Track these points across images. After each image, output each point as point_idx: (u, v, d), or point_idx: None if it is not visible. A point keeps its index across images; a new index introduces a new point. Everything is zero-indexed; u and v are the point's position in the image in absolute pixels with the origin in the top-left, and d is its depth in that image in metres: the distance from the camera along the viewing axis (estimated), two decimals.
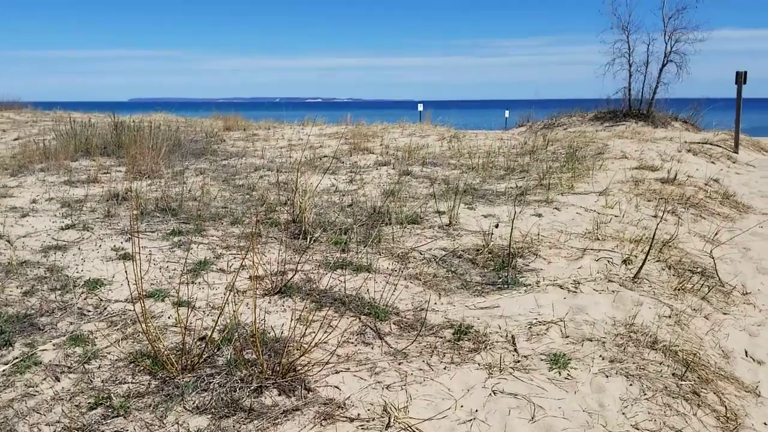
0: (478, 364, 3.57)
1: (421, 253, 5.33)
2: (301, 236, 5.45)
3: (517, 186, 8.57)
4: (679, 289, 4.91)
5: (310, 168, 9.74)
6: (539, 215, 6.84)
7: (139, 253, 3.82)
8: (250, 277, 4.32)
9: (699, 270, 5.46)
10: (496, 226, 6.07)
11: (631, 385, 3.44)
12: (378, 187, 8.29)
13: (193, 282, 4.31)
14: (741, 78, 15.39)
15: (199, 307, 4.07)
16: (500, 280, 4.81)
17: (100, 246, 5.02)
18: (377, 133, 14.89)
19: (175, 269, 4.53)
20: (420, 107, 29.01)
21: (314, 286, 4.35)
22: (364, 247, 5.22)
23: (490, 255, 5.32)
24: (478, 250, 5.41)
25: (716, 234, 6.82)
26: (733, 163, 12.73)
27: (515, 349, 3.77)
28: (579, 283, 4.78)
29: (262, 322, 3.84)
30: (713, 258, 5.63)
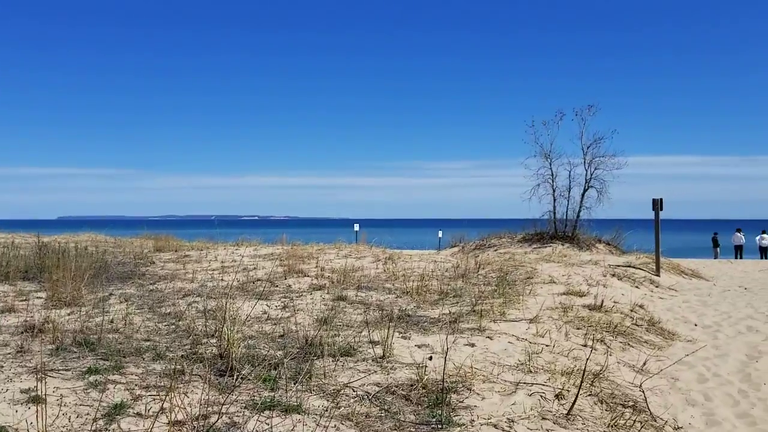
0: None
1: (354, 390, 5.16)
2: (227, 373, 5.22)
3: (450, 312, 8.57)
4: (612, 426, 4.88)
5: (243, 293, 9.54)
6: (472, 345, 6.82)
7: (46, 399, 3.55)
8: (169, 422, 4.06)
9: (630, 404, 5.47)
10: (430, 359, 5.98)
11: None
12: (312, 314, 8.15)
13: (106, 430, 4.01)
14: (658, 205, 16.29)
15: None
16: (434, 419, 4.68)
17: (8, 388, 4.65)
18: (313, 254, 14.86)
19: (88, 414, 4.22)
20: (356, 227, 29.35)
21: (239, 431, 4.12)
22: (295, 384, 5.03)
23: (424, 390, 5.20)
24: (411, 385, 5.29)
25: (644, 364, 6.93)
26: (656, 287, 13.19)
27: None
28: (513, 422, 4.69)
29: None
30: (643, 391, 5.67)
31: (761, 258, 30.69)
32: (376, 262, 14.07)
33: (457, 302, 9.38)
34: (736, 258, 30.99)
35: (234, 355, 5.40)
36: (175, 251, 15.50)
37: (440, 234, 37.05)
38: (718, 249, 32.74)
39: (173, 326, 7.16)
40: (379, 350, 6.17)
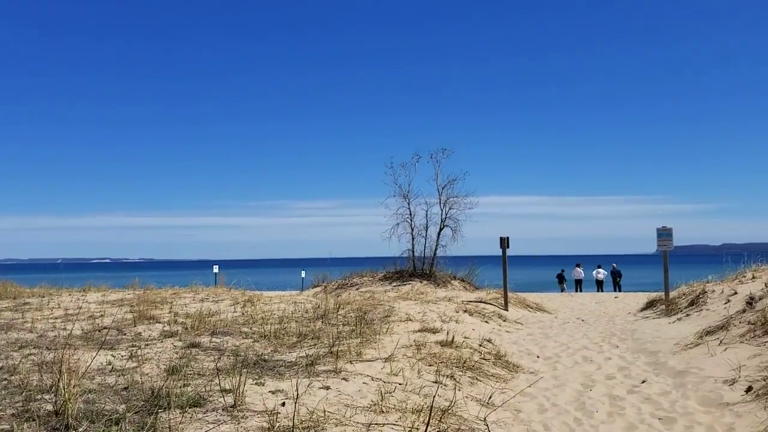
0: None
1: None
2: (63, 431, 4.90)
3: (307, 355, 8.57)
4: None
5: (86, 342, 8.99)
6: (327, 387, 6.86)
7: None
8: None
9: None
10: (283, 405, 5.95)
11: None
12: (161, 363, 7.83)
13: None
14: (505, 243, 17.28)
15: None
16: None
17: None
18: (167, 298, 14.29)
19: None
20: (215, 269, 28.59)
21: None
22: None
23: None
24: None
25: (490, 397, 7.29)
26: (504, 321, 13.92)
27: None
28: None
29: None
30: (487, 425, 5.97)
31: (598, 291, 33.29)
32: (235, 305, 13.78)
33: (315, 344, 9.40)
34: (576, 291, 33.40)
35: (71, 412, 5.09)
36: (14, 299, 14.33)
37: (303, 274, 36.93)
38: (564, 284, 35.17)
39: (4, 382, 6.62)
40: (230, 399, 6.05)
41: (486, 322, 13.30)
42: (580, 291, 33.41)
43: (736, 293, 12.77)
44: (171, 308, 12.76)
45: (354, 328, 10.55)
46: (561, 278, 35.33)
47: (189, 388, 6.41)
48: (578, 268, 35.46)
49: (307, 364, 7.93)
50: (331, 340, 9.39)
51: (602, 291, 32.96)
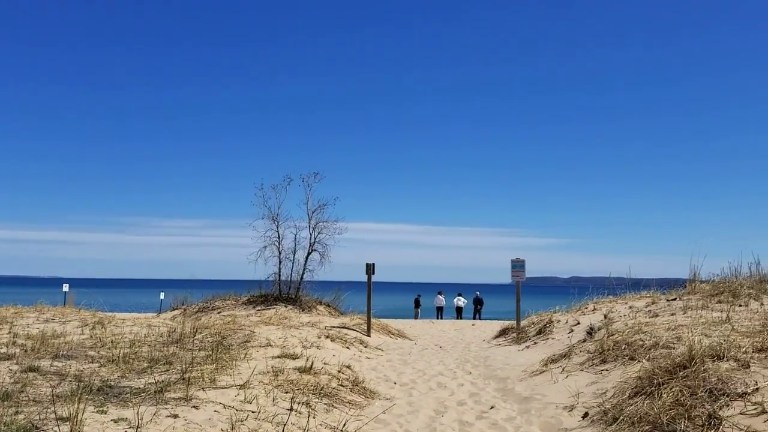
0: None
1: None
2: None
3: (157, 381, 8.21)
4: None
5: None
6: (175, 416, 6.60)
7: None
8: None
9: None
10: None
11: None
12: None
13: None
14: (370, 269, 17.52)
15: None
16: None
17: None
18: (7, 318, 13.22)
19: None
20: (65, 287, 26.80)
21: None
22: None
23: None
24: None
25: (345, 424, 7.32)
26: (365, 347, 14.07)
27: None
28: None
29: None
30: None
31: (457, 318, 34.52)
32: (83, 327, 12.98)
33: (167, 370, 9.03)
34: (437, 318, 34.44)
35: None
36: None
37: (162, 296, 35.45)
38: (419, 309, 36.16)
39: None
40: (66, 428, 5.68)
41: (347, 347, 13.38)
42: (441, 318, 34.47)
43: (579, 323, 13.69)
44: (11, 329, 11.81)
45: (210, 353, 10.25)
46: (417, 303, 36.32)
47: (21, 416, 5.95)
48: (440, 296, 36.60)
49: (156, 391, 7.59)
50: (184, 366, 9.05)
51: (462, 318, 34.18)
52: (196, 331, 12.90)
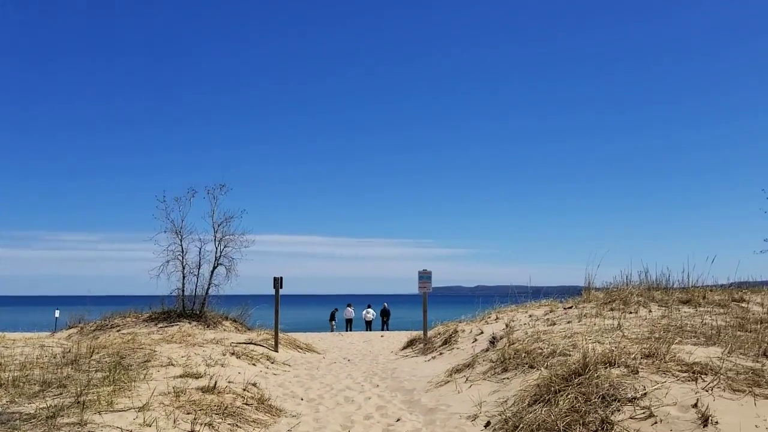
0: None
1: None
2: None
3: (49, 406, 7.78)
4: None
5: None
6: None
7: None
8: None
9: None
10: None
11: None
12: None
13: None
14: (278, 283, 17.29)
15: None
16: None
17: None
18: None
19: None
20: None
21: None
22: None
23: None
24: None
25: None
26: (272, 363, 13.86)
27: None
28: None
29: None
30: None
31: (367, 330, 34.64)
32: None
33: (61, 393, 8.58)
34: (347, 330, 34.43)
35: None
36: None
37: (57, 313, 33.67)
38: (334, 323, 36.06)
39: None
40: None
41: (254, 364, 13.14)
42: (350, 330, 34.48)
43: (482, 332, 14.05)
44: None
45: (108, 374, 9.82)
46: (332, 316, 36.24)
47: None
48: (349, 308, 36.63)
49: (47, 417, 7.21)
50: (79, 389, 8.63)
51: (371, 330, 34.31)
52: (93, 350, 12.33)
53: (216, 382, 9.56)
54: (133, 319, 23.23)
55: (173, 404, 8.25)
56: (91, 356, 11.87)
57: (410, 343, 17.97)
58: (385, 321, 35.40)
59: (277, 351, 15.99)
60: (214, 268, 24.21)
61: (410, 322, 35.25)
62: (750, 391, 6.65)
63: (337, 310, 36.65)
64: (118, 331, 21.24)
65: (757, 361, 7.78)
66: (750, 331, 9.49)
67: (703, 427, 6.01)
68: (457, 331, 15.47)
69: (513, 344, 10.88)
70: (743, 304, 12.61)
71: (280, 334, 17.34)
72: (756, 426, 5.88)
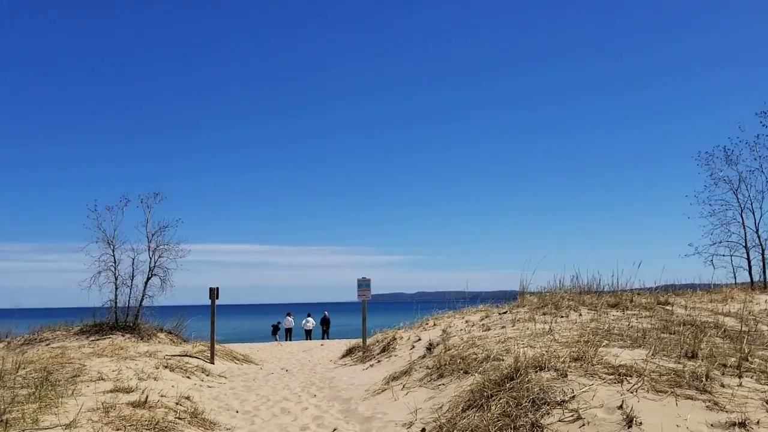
0: None
1: None
2: None
3: None
4: None
5: None
6: None
7: None
8: None
9: None
10: None
11: None
12: None
13: None
14: (214, 293, 17.02)
15: None
16: None
17: None
18: None
19: None
20: None
21: None
22: None
23: None
24: None
25: None
26: (207, 375, 13.61)
27: None
28: None
29: None
30: None
31: (307, 339, 34.43)
32: None
33: None
34: (286, 340, 34.14)
35: None
36: None
37: None
38: (278, 334, 35.73)
39: None
40: None
41: (188, 377, 12.87)
42: (290, 340, 34.21)
43: (420, 339, 14.16)
44: None
45: (35, 390, 9.46)
46: (275, 328, 35.91)
47: None
48: (289, 318, 36.34)
49: None
50: (2, 406, 8.29)
51: (311, 339, 34.11)
52: (19, 366, 11.86)
53: (147, 397, 9.32)
54: (64, 333, 22.43)
55: (102, 420, 8.01)
56: (17, 372, 11.40)
57: (349, 352, 17.95)
58: (325, 330, 35.26)
59: (213, 363, 15.72)
60: (149, 278, 23.63)
61: (351, 330, 35.22)
62: (672, 392, 6.92)
63: (279, 323, 36.33)
64: (47, 345, 20.47)
65: (679, 363, 8.10)
66: (673, 333, 9.88)
67: (628, 428, 6.21)
68: (395, 339, 15.54)
69: (449, 350, 11.01)
70: (668, 307, 13.11)
71: (217, 346, 17.06)
72: (677, 426, 6.12)
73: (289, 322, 36.09)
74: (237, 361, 17.38)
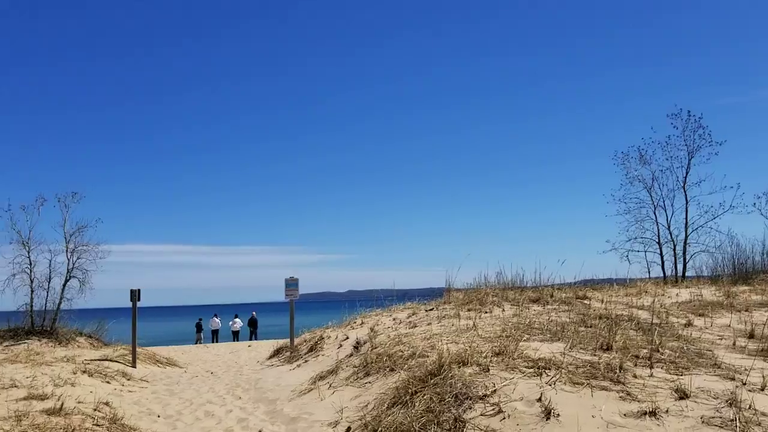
0: None
1: None
2: None
3: None
4: None
5: None
6: None
7: None
8: None
9: None
10: None
11: None
12: None
13: None
14: (135, 296, 16.53)
15: None
16: None
17: None
18: None
19: None
20: None
21: None
22: None
23: None
24: None
25: None
26: (128, 380, 13.22)
27: None
28: None
29: None
30: None
31: (234, 340, 33.87)
32: None
33: None
34: (213, 342, 33.48)
35: None
36: None
37: None
38: (201, 334, 34.93)
39: None
40: None
41: (108, 382, 12.44)
42: (217, 342, 33.57)
43: (347, 338, 14.16)
44: None
45: None
46: (199, 327, 35.09)
47: None
48: (216, 319, 35.67)
49: None
50: None
51: (239, 341, 33.58)
52: None
53: (63, 403, 8.97)
54: None
55: (14, 429, 7.66)
56: None
57: (277, 352, 17.77)
58: (253, 331, 34.80)
59: (134, 367, 15.26)
60: (67, 281, 22.77)
61: (279, 331, 34.88)
62: (588, 383, 7.17)
63: (201, 320, 35.50)
64: None
65: (595, 355, 8.41)
66: (590, 327, 10.25)
67: (546, 420, 6.40)
68: (323, 338, 15.49)
69: (376, 348, 11.06)
70: (586, 301, 13.59)
71: (139, 349, 16.59)
72: (593, 416, 6.34)
73: (216, 323, 35.40)
74: (160, 365, 16.93)
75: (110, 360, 15.09)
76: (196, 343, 32.63)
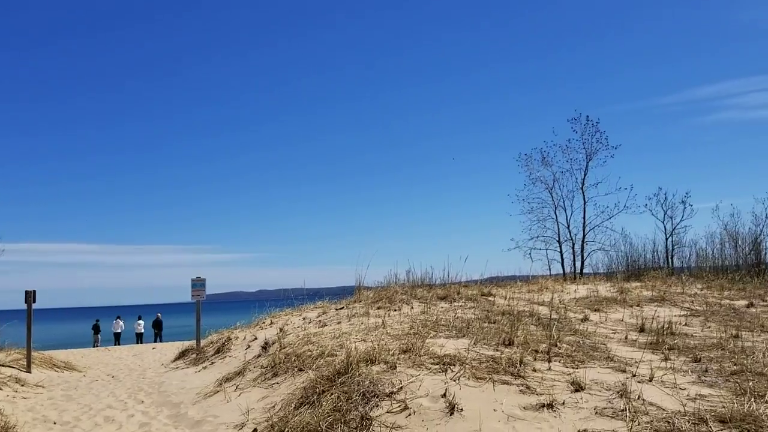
0: None
1: None
2: None
3: None
4: None
5: None
6: None
7: None
8: None
9: None
10: None
11: None
12: None
13: None
14: (30, 297, 15.71)
15: None
16: None
17: None
18: None
19: None
20: None
21: None
22: None
23: None
24: None
25: None
26: (22, 386, 12.56)
27: None
28: None
29: None
30: None
31: (137, 343, 32.74)
32: None
33: None
34: (115, 344, 32.24)
35: None
36: None
37: None
38: (99, 336, 33.54)
39: None
40: None
41: (0, 389, 11.76)
42: (119, 344, 32.36)
43: (256, 338, 13.98)
44: None
45: None
46: (96, 329, 33.66)
47: None
48: (119, 321, 34.37)
49: None
50: None
51: (142, 343, 32.51)
52: None
53: None
54: None
55: None
56: None
57: (182, 354, 17.32)
58: (157, 333, 33.77)
59: (29, 372, 14.50)
60: None
61: (185, 332, 33.97)
62: (490, 378, 7.42)
63: (99, 320, 34.06)
64: None
65: (498, 350, 8.71)
66: (494, 323, 10.60)
67: (450, 415, 6.58)
68: (231, 339, 15.23)
69: (284, 348, 10.99)
70: (490, 298, 14.02)
71: (35, 353, 15.76)
72: (494, 410, 6.57)
73: (119, 325, 34.10)
74: (58, 369, 16.14)
75: (2, 365, 14.25)
76: (94, 346, 31.30)
